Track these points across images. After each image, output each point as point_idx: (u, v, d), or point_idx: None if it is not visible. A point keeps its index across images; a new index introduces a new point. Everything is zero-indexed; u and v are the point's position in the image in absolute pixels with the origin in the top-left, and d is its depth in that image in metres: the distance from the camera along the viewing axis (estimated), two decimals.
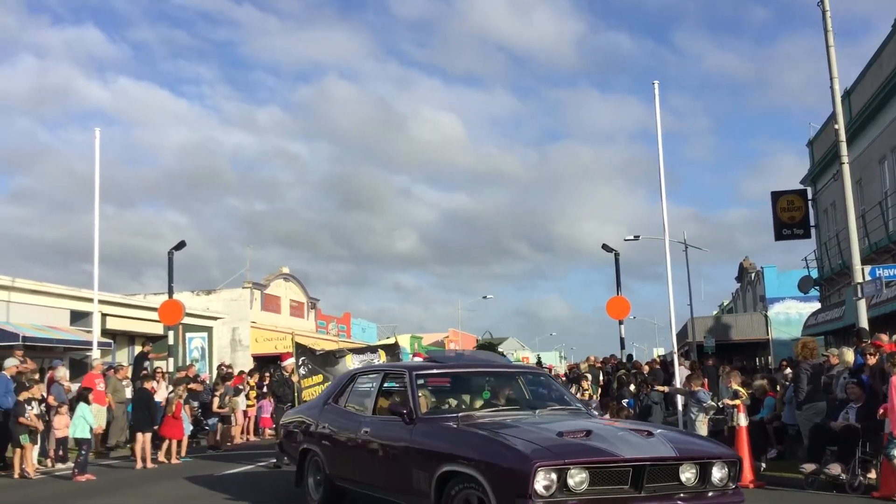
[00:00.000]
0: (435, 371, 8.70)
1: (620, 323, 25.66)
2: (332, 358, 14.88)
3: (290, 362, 14.65)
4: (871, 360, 10.49)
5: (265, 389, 21.71)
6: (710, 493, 6.36)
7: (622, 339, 25.95)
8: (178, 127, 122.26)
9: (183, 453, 16.86)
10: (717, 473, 6.42)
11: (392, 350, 15.35)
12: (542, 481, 5.92)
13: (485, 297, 75.62)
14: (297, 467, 9.79)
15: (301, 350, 14.88)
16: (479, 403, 8.47)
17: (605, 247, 26.99)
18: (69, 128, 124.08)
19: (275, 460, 14.56)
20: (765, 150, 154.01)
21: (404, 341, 41.26)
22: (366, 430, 8.31)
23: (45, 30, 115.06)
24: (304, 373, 14.30)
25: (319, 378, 14.22)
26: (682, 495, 6.27)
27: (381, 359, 14.70)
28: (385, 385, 8.82)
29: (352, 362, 14.39)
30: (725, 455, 6.63)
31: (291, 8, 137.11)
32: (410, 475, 7.30)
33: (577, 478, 5.98)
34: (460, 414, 7.68)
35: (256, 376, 23.92)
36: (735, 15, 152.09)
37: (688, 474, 6.31)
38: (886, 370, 9.81)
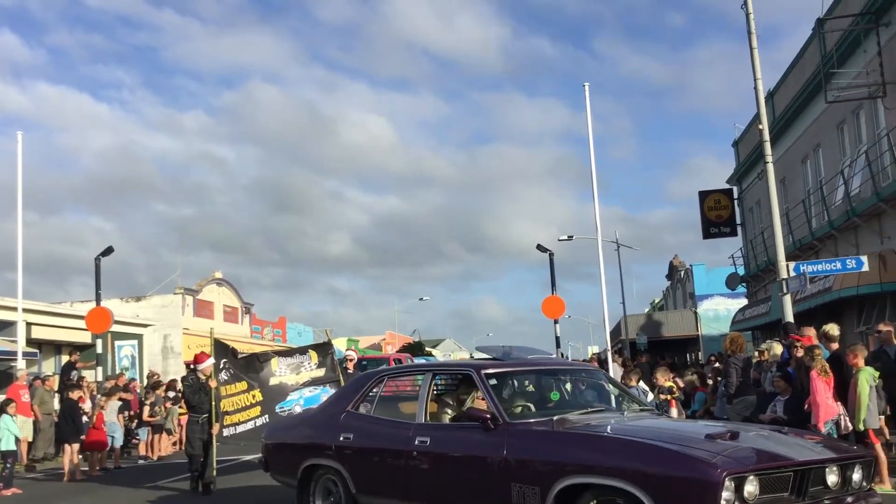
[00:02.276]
0: (507, 370, 7.66)
1: (556, 322, 25.95)
2: (255, 363, 13.29)
3: (207, 364, 12.42)
4: (798, 353, 10.78)
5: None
6: (850, 496, 5.95)
7: (557, 338, 26.26)
8: (101, 131, 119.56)
9: (116, 463, 16.53)
10: (856, 475, 6.02)
11: (325, 350, 13.88)
12: (726, 492, 5.24)
13: (421, 299, 75.66)
14: (298, 488, 8.32)
15: (222, 351, 13.05)
16: (549, 405, 7.58)
17: (539, 247, 27.25)
18: None
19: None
20: (687, 152, 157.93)
21: (341, 344, 40.97)
22: (422, 441, 7.15)
23: None
24: (225, 378, 12.68)
25: (243, 385, 12.79)
26: (848, 500, 5.87)
27: (312, 360, 13.54)
28: (437, 387, 7.86)
29: (278, 366, 13.18)
30: (866, 456, 6.32)
31: (212, 12, 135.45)
32: (507, 491, 6.29)
33: (752, 486, 5.39)
34: (555, 417, 6.73)
35: None
36: (652, 21, 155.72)
37: (833, 477, 5.87)
38: (806, 363, 10.09)
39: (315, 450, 8.17)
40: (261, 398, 12.89)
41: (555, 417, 6.72)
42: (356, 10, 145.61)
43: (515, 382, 7.86)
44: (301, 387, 13.21)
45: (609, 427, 6.61)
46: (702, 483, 5.25)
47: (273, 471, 8.96)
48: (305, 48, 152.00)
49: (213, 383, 12.36)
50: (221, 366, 12.72)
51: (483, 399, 7.28)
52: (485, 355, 8.24)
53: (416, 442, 7.18)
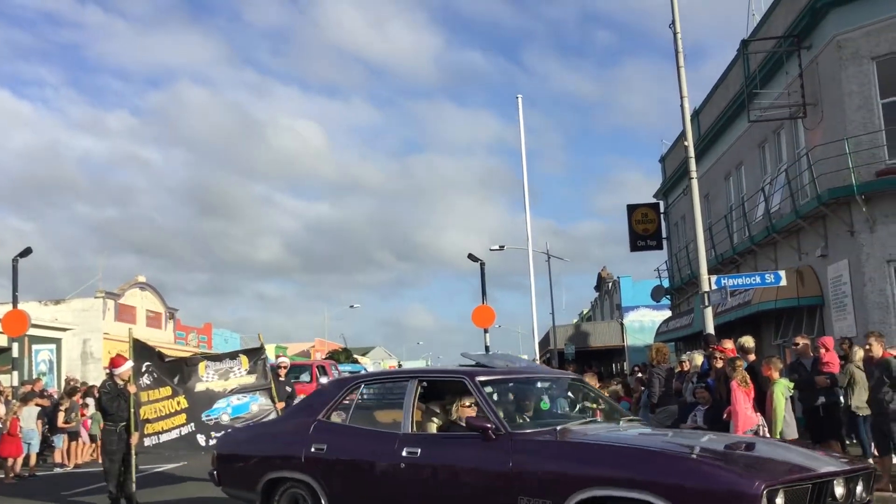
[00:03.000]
0: (501, 377, 7.32)
1: (486, 331, 26.10)
2: (182, 367, 12.53)
3: (125, 368, 11.44)
4: (718, 365, 11.05)
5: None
6: None
7: (487, 347, 26.36)
8: (21, 130, 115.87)
9: (31, 471, 16.06)
10: (859, 487, 5.88)
11: (256, 355, 13.14)
12: None
13: (352, 307, 75.48)
14: (259, 503, 7.72)
15: (143, 353, 12.13)
16: (542, 414, 7.39)
17: (471, 256, 27.39)
18: None
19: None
20: (614, 166, 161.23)
21: (268, 351, 40.39)
22: (410, 452, 6.75)
23: None
24: (147, 383, 11.82)
25: (167, 391, 12.01)
26: None
27: (242, 366, 12.81)
28: (421, 395, 7.35)
29: (206, 371, 12.47)
30: (869, 468, 6.25)
31: (138, 10, 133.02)
32: None
33: (781, 499, 5.24)
34: (558, 427, 6.53)
35: None
36: (580, 38, 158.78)
37: (841, 489, 5.70)
38: (728, 374, 10.36)
39: (280, 461, 7.63)
40: (186, 405, 12.12)
41: (558, 427, 6.54)
42: (289, 14, 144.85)
43: (508, 391, 7.57)
44: (229, 394, 12.53)
45: (622, 437, 6.47)
46: (739, 496, 5.10)
47: (226, 484, 8.24)
48: (236, 51, 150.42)
49: (131, 389, 11.42)
50: (143, 369, 11.88)
51: (470, 407, 7.08)
52: (469, 361, 7.96)
53: (404, 453, 6.78)
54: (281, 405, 12.83)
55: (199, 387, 12.40)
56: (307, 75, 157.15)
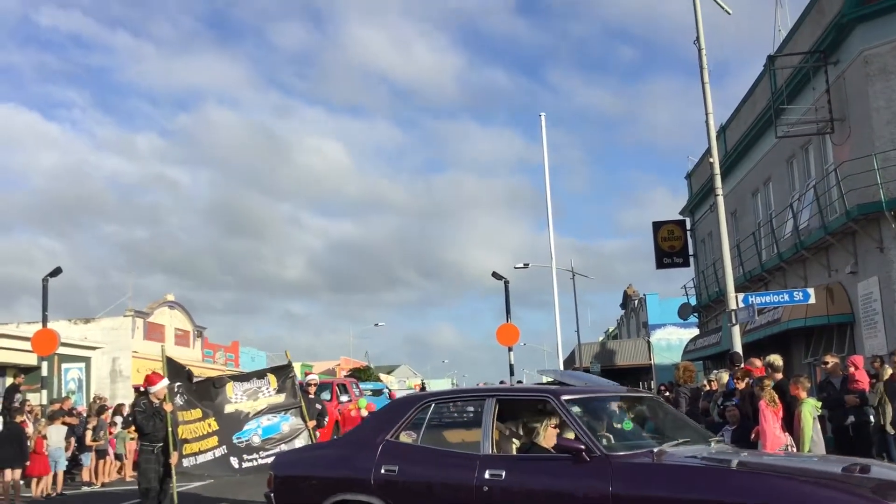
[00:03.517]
0: (588, 396, 7.01)
1: (510, 349, 25.99)
2: (210, 389, 12.21)
3: (161, 387, 11.16)
4: (740, 385, 10.92)
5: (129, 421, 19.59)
6: None
7: (511, 366, 26.29)
8: (51, 151, 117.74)
9: (59, 490, 16.13)
10: None
11: (285, 373, 12.77)
12: None
13: (376, 325, 75.67)
14: None
15: (175, 372, 11.91)
16: (625, 435, 7.02)
17: (495, 274, 27.31)
18: None
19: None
20: (639, 183, 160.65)
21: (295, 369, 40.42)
22: (494, 475, 6.38)
23: None
24: (180, 403, 11.52)
25: (198, 413, 11.73)
26: None
27: (271, 385, 12.48)
28: (500, 414, 6.98)
29: (234, 392, 12.18)
30: None
31: (167, 35, 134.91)
32: None
33: None
34: (654, 449, 6.19)
35: None
36: (604, 54, 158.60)
37: None
38: (756, 394, 10.23)
39: (346, 484, 7.20)
40: (216, 427, 11.80)
41: (654, 449, 6.21)
42: (313, 37, 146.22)
43: (594, 410, 7.16)
44: (259, 415, 12.18)
45: (729, 460, 6.19)
46: None
47: None
48: (262, 73, 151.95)
49: (168, 407, 11.11)
50: (175, 390, 11.55)
51: (555, 428, 6.76)
52: (546, 378, 7.65)
53: (487, 476, 6.40)
54: (312, 424, 12.65)
55: (229, 408, 12.12)
56: (332, 96, 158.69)
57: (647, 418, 7.60)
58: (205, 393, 12.08)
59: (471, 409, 7.44)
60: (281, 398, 12.49)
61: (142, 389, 11.61)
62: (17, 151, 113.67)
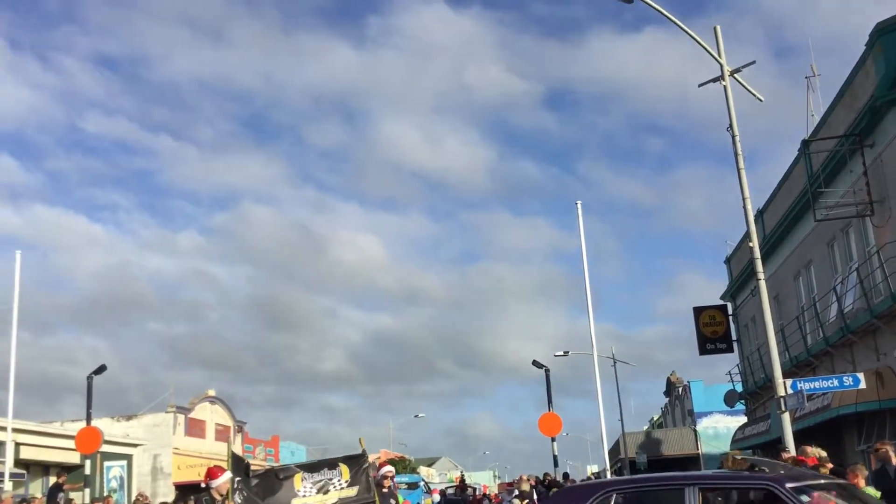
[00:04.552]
0: (812, 483, 6.38)
1: (553, 440, 25.58)
2: (274, 482, 11.14)
3: (223, 480, 10.29)
4: None
5: None
6: None
7: (555, 457, 25.82)
8: (96, 252, 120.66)
9: None
10: None
11: (358, 463, 11.68)
12: None
13: (416, 416, 74.77)
14: None
15: (238, 464, 11.04)
16: None
17: (535, 363, 27.15)
18: None
19: None
20: (674, 269, 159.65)
21: None
22: None
23: None
24: (238, 502, 10.60)
25: None
26: None
27: (343, 476, 11.39)
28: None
29: (302, 485, 11.09)
30: None
31: (207, 137, 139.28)
32: None
33: None
34: None
35: None
36: (633, 146, 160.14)
37: None
38: None
39: None
40: None
41: None
42: (346, 134, 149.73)
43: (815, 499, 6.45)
44: None
45: None
46: None
47: None
48: (297, 170, 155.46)
49: None
50: (236, 486, 10.60)
51: None
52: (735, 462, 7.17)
53: None
54: None
55: (296, 503, 11.09)
56: (366, 191, 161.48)
57: None
58: (268, 487, 11.07)
59: (666, 499, 6.57)
60: (353, 492, 11.44)
61: (203, 484, 10.78)
62: (63, 253, 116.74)
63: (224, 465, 10.87)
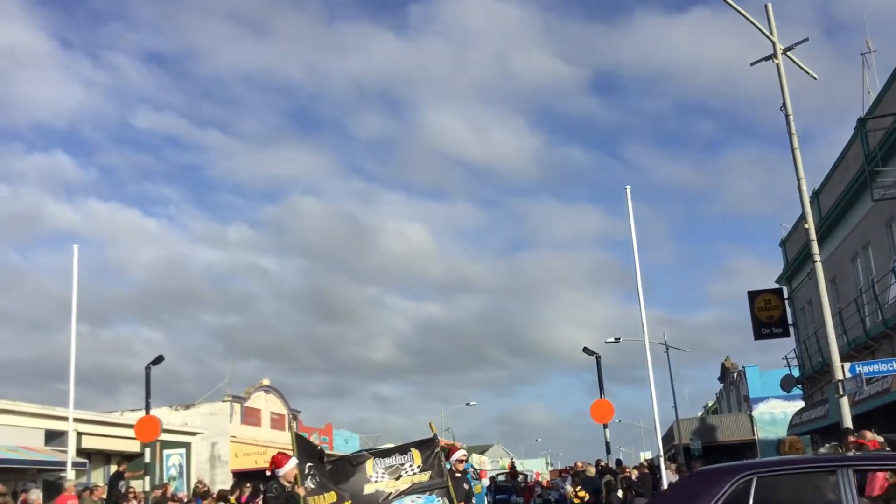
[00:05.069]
0: None
1: (605, 427, 25.43)
2: (347, 467, 11.04)
3: (290, 468, 10.18)
4: None
5: None
6: None
7: (608, 444, 25.66)
8: (149, 245, 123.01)
9: None
10: None
11: (429, 448, 11.47)
12: None
13: (468, 405, 74.87)
14: None
15: (305, 448, 10.89)
16: None
17: (586, 350, 26.97)
18: (41, 250, 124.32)
19: None
20: (726, 253, 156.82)
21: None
22: None
23: (20, 157, 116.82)
24: (311, 486, 10.36)
25: (333, 497, 10.54)
26: None
27: (414, 462, 11.22)
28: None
29: (374, 470, 11.00)
30: None
31: (254, 131, 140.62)
32: None
33: None
34: None
35: (238, 493, 23.22)
36: (681, 129, 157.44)
37: None
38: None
39: None
40: None
41: None
42: (391, 125, 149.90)
43: None
44: (401, 495, 11.01)
45: None
46: None
47: None
48: (343, 162, 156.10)
49: (300, 491, 10.10)
50: (306, 471, 10.44)
51: None
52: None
53: None
54: None
55: (368, 489, 10.96)
56: (411, 180, 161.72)
57: None
58: (341, 473, 10.99)
59: (815, 483, 5.96)
60: (426, 477, 11.28)
61: (268, 473, 10.77)
62: (118, 247, 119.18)
63: (287, 451, 10.81)
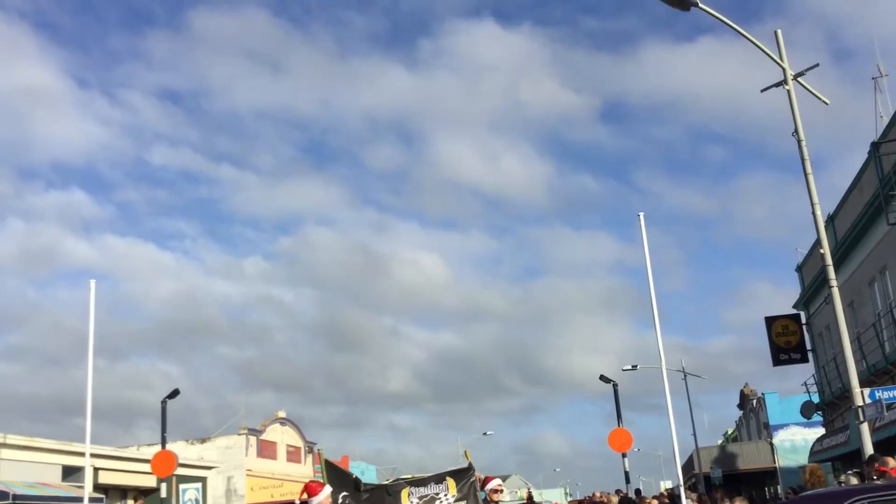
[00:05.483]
0: None
1: (624, 456, 25.21)
2: (384, 497, 10.97)
3: (325, 496, 9.38)
4: None
5: None
6: None
7: (626, 473, 25.45)
8: (165, 279, 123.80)
9: None
10: None
11: (465, 477, 11.41)
12: None
13: (485, 434, 74.29)
14: None
15: (338, 477, 10.60)
16: None
17: (603, 378, 26.85)
18: (58, 285, 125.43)
19: None
20: (740, 279, 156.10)
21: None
22: None
23: (39, 195, 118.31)
24: None
25: None
26: None
27: (450, 490, 11.14)
28: None
29: (409, 499, 10.96)
30: None
31: (267, 164, 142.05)
32: None
33: None
34: None
35: None
36: (692, 156, 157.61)
37: None
38: None
39: None
40: None
41: None
42: (403, 156, 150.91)
43: None
44: None
45: None
46: None
47: None
48: (356, 193, 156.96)
49: None
50: (341, 500, 10.21)
51: None
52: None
53: None
54: None
55: None
56: (425, 210, 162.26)
57: None
58: (377, 501, 10.92)
59: None
60: None
61: (298, 502, 10.08)
62: (135, 281, 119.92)
63: (316, 481, 10.18)
